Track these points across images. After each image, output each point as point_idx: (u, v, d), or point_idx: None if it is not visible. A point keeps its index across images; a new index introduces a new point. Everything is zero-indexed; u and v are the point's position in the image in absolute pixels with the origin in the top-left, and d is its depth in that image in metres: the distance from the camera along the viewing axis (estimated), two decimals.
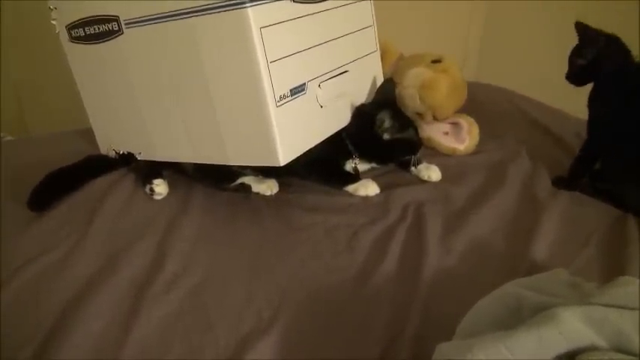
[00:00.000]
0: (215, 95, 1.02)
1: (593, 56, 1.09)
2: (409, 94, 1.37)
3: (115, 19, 1.07)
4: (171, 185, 1.19)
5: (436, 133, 1.38)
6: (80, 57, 1.20)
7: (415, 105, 1.38)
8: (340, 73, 1.15)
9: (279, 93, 0.98)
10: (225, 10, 0.93)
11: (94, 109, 1.27)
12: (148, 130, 1.17)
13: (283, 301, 0.90)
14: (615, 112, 1.08)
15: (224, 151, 1.07)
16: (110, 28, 1.09)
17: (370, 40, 1.26)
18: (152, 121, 1.16)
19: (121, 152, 1.25)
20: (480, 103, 1.50)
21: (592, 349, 0.62)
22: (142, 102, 1.14)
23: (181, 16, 0.98)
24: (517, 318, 0.70)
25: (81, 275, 0.95)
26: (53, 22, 1.19)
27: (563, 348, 0.62)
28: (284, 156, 1.02)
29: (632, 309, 0.66)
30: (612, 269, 0.94)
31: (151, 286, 0.92)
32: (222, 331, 0.85)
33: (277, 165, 1.01)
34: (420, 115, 1.42)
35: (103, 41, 1.12)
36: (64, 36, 1.19)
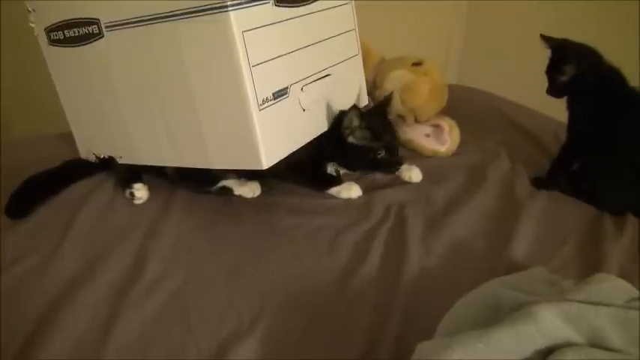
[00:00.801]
0: (198, 99, 1.01)
1: (576, 71, 1.10)
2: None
3: (95, 22, 1.06)
4: (152, 189, 1.18)
5: (417, 135, 1.39)
6: (59, 60, 1.18)
7: (396, 107, 1.39)
8: (323, 77, 1.14)
9: (261, 97, 0.98)
10: (207, 14, 0.92)
11: (73, 112, 1.25)
12: (129, 134, 1.16)
13: (264, 304, 0.90)
14: (593, 116, 1.10)
15: (206, 155, 1.07)
16: (90, 31, 1.08)
17: (352, 44, 1.26)
18: (133, 124, 1.14)
19: (102, 156, 1.24)
20: (461, 105, 1.51)
21: (569, 345, 0.63)
22: (124, 105, 1.13)
23: (163, 20, 0.97)
24: (496, 316, 0.71)
25: (60, 279, 0.94)
26: (32, 25, 1.17)
27: (540, 344, 0.63)
28: (267, 159, 1.01)
29: (608, 305, 0.67)
30: (589, 267, 0.96)
31: (132, 290, 0.92)
32: (202, 334, 0.84)
33: (260, 168, 1.01)
34: (401, 117, 1.43)
35: (83, 44, 1.10)
36: (42, 39, 1.17)
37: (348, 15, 1.24)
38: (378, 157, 1.16)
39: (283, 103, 1.03)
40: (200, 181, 1.18)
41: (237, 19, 0.91)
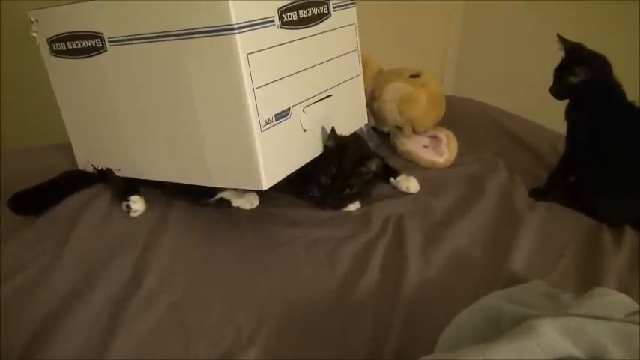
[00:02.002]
0: (200, 117, 1.01)
1: (587, 76, 1.10)
2: (389, 108, 1.39)
3: (99, 36, 1.06)
4: (149, 201, 1.18)
5: (415, 146, 1.40)
6: (61, 71, 1.18)
7: (395, 118, 1.40)
8: (324, 97, 1.14)
9: (263, 118, 0.98)
10: (213, 35, 0.92)
11: (73, 123, 1.25)
12: (128, 148, 1.16)
13: (264, 317, 0.90)
14: (594, 126, 1.10)
15: (207, 172, 1.07)
16: (93, 44, 1.08)
17: (354, 64, 1.27)
18: (133, 138, 1.14)
19: (100, 168, 1.24)
20: (458, 116, 1.52)
21: (569, 359, 0.63)
22: (124, 119, 1.13)
23: (167, 38, 0.97)
24: (496, 330, 0.71)
25: (58, 291, 0.94)
26: (34, 35, 1.17)
27: (541, 359, 0.63)
28: (267, 181, 1.01)
29: (608, 319, 0.67)
30: (588, 280, 0.96)
31: (130, 302, 0.91)
32: (202, 347, 0.84)
33: (259, 189, 1.01)
34: (399, 128, 1.43)
35: (86, 57, 1.10)
36: (44, 49, 1.17)
37: (351, 36, 1.24)
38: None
39: (285, 124, 1.03)
40: (198, 194, 1.18)
41: (242, 41, 0.92)
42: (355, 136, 1.25)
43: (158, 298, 0.93)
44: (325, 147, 1.15)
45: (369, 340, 0.85)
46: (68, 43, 1.12)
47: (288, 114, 1.04)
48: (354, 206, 1.19)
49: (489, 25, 2.41)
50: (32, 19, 1.16)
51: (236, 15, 0.90)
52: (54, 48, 1.15)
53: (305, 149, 1.12)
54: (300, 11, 1.05)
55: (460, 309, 0.78)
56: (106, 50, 1.07)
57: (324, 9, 1.12)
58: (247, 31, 0.92)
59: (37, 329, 0.86)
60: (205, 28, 0.93)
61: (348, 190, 1.15)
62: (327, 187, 1.15)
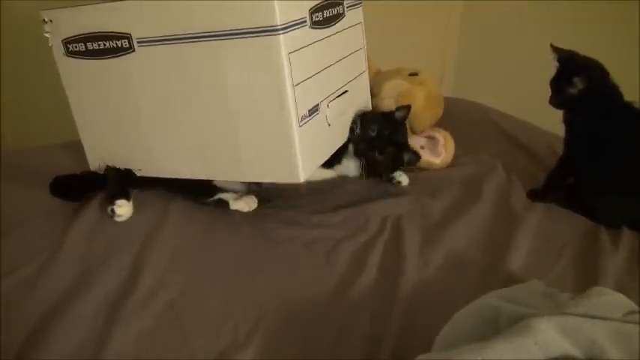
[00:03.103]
0: (235, 114, 1.02)
1: (585, 85, 1.10)
2: (386, 105, 1.38)
3: (127, 36, 1.05)
4: (148, 199, 1.18)
5: (412, 146, 1.40)
6: (77, 72, 1.15)
7: None
8: (342, 93, 1.16)
9: (300, 114, 1.00)
10: (255, 36, 0.94)
11: (86, 124, 1.22)
12: (152, 147, 1.15)
13: (261, 316, 0.90)
14: (595, 130, 1.11)
15: (239, 167, 1.08)
16: (119, 45, 1.06)
17: (361, 61, 1.29)
18: (157, 137, 1.13)
19: (119, 168, 1.20)
20: (456, 117, 1.52)
21: (567, 358, 0.63)
22: (148, 118, 1.12)
23: (204, 39, 0.98)
24: (494, 329, 0.71)
25: (56, 290, 0.93)
26: (46, 35, 1.13)
27: (538, 358, 0.63)
28: (304, 174, 1.04)
29: (606, 318, 0.67)
30: (586, 280, 0.96)
31: (127, 301, 0.91)
32: (199, 346, 0.84)
33: (297, 182, 1.04)
34: None
35: (109, 58, 1.09)
36: (58, 50, 1.14)
37: (359, 34, 1.27)
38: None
39: (315, 119, 1.06)
40: (197, 192, 1.18)
41: (285, 41, 0.94)
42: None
43: (155, 297, 0.93)
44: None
45: (367, 339, 0.85)
46: (88, 44, 1.09)
47: (317, 109, 1.06)
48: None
49: (488, 25, 2.41)
50: (45, 20, 1.12)
51: (280, 16, 0.92)
52: (70, 49, 1.12)
53: (330, 142, 1.15)
54: (325, 11, 1.08)
55: (458, 309, 0.78)
56: (133, 51, 1.05)
57: (339, 9, 1.15)
58: (289, 31, 0.94)
59: (34, 327, 0.86)
60: (246, 29, 0.94)
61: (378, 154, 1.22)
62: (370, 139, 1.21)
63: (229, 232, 1.11)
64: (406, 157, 1.25)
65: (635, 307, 0.74)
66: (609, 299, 0.75)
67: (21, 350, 0.82)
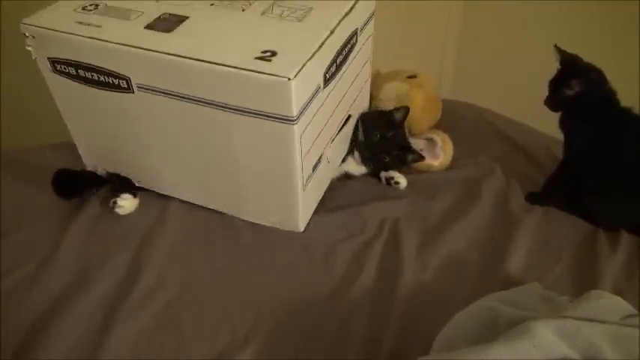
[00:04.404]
0: (241, 170, 1.00)
1: (582, 88, 1.10)
2: (385, 107, 1.38)
3: (126, 78, 0.93)
4: (147, 198, 1.17)
5: None
6: (66, 88, 1.02)
7: None
8: (346, 121, 1.15)
9: (305, 177, 1.00)
10: (268, 120, 0.87)
11: (79, 133, 1.14)
12: (153, 169, 1.10)
13: (259, 316, 0.90)
14: (592, 134, 1.11)
15: (240, 207, 1.10)
16: (117, 83, 0.94)
17: (366, 72, 1.24)
18: (159, 163, 1.08)
19: (118, 174, 1.17)
20: (454, 120, 1.52)
21: None
22: (149, 146, 1.06)
23: (214, 106, 0.90)
24: (493, 332, 0.71)
25: (53, 290, 0.93)
26: (28, 49, 0.99)
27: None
28: (302, 224, 1.08)
29: (604, 322, 0.67)
30: (584, 283, 0.96)
31: (125, 301, 0.91)
32: (196, 347, 0.84)
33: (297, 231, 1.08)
34: None
35: (104, 90, 0.97)
36: (44, 64, 1.00)
37: (368, 46, 1.20)
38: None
39: (318, 169, 1.05)
40: None
41: (299, 127, 0.88)
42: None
43: (153, 297, 0.93)
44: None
45: (365, 340, 0.85)
46: (80, 71, 0.97)
47: (320, 160, 1.06)
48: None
49: (488, 26, 2.41)
50: (26, 34, 0.97)
51: (296, 104, 0.85)
52: (57, 67, 0.99)
53: (326, 179, 1.16)
54: (338, 58, 0.99)
55: (456, 310, 0.78)
56: (132, 92, 0.95)
57: (354, 40, 1.06)
58: (303, 114, 0.88)
59: (33, 326, 0.86)
60: (262, 112, 0.87)
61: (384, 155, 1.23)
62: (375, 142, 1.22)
63: (228, 233, 1.10)
64: (409, 157, 1.26)
65: (634, 311, 0.74)
66: (607, 302, 0.75)
67: (19, 349, 0.82)
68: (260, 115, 0.88)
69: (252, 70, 0.83)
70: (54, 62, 0.99)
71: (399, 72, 1.47)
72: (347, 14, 0.98)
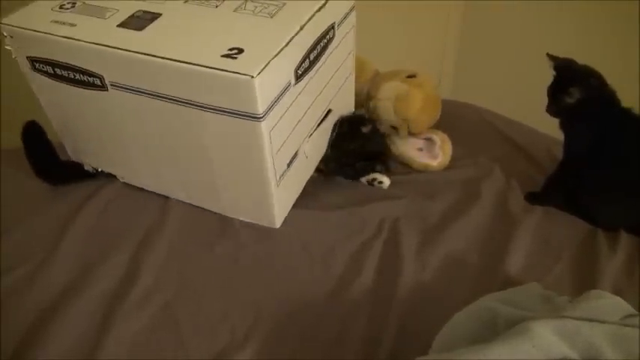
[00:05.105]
0: (215, 166, 1.01)
1: (581, 95, 1.10)
2: (384, 107, 1.38)
3: (99, 76, 0.94)
4: (147, 197, 1.17)
5: (410, 149, 1.39)
6: (45, 86, 1.03)
7: (389, 118, 1.39)
8: (326, 115, 1.13)
9: (279, 174, 1.00)
10: (236, 117, 0.88)
11: (64, 129, 1.16)
12: (135, 165, 1.12)
13: (258, 316, 0.89)
14: (593, 137, 1.10)
15: (219, 203, 1.10)
16: (91, 81, 0.96)
17: (349, 66, 1.22)
18: (140, 160, 1.09)
19: (100, 170, 1.19)
20: (454, 120, 1.51)
21: None
22: (127, 136, 1.06)
23: (184, 104, 0.90)
24: (492, 332, 0.71)
25: (52, 289, 0.93)
26: (7, 48, 1.00)
27: None
28: (279, 220, 1.09)
29: (604, 322, 0.67)
30: (584, 282, 0.96)
31: (124, 301, 0.91)
32: (195, 347, 0.84)
33: (273, 227, 1.08)
34: (395, 129, 1.43)
35: (80, 87, 0.98)
36: (23, 63, 1.02)
37: (350, 39, 1.18)
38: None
39: (293, 165, 1.05)
40: None
41: (267, 124, 0.88)
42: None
43: (152, 297, 0.93)
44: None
45: (365, 340, 0.85)
46: (57, 70, 0.98)
47: (296, 155, 1.05)
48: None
49: (488, 26, 2.40)
50: (5, 34, 0.98)
51: (262, 102, 0.85)
52: (36, 66, 1.01)
53: (307, 172, 1.15)
54: (311, 54, 0.97)
55: (456, 311, 0.78)
56: (107, 90, 0.96)
57: (330, 35, 1.04)
58: (270, 111, 0.88)
59: (32, 326, 0.86)
60: (228, 109, 0.88)
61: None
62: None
63: (226, 233, 1.10)
64: (378, 167, 1.23)
65: (633, 311, 0.74)
66: (607, 302, 0.75)
67: (18, 348, 0.82)
68: (227, 112, 0.88)
69: (217, 69, 0.83)
70: (33, 61, 1.01)
71: (398, 72, 1.47)
72: (320, 9, 0.97)
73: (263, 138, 0.90)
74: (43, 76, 1.02)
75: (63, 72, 0.98)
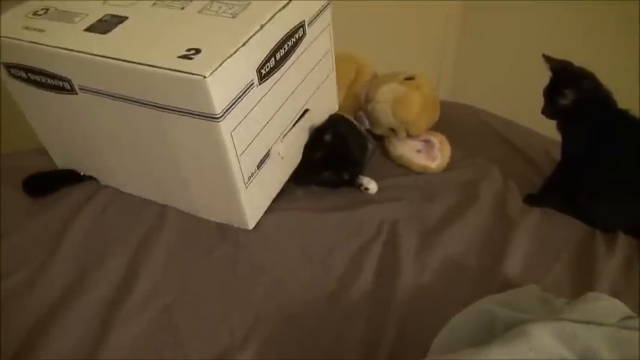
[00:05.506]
0: (183, 170, 1.02)
1: (576, 96, 1.10)
2: (382, 109, 1.38)
3: (67, 80, 0.97)
4: (145, 200, 1.17)
5: (408, 150, 1.39)
6: (22, 91, 1.07)
7: (388, 120, 1.40)
8: (302, 115, 1.13)
9: (247, 175, 0.99)
10: (195, 118, 0.88)
11: (45, 136, 1.19)
12: (112, 169, 1.14)
13: (257, 320, 0.90)
14: (589, 138, 1.11)
15: (193, 205, 1.11)
16: (61, 85, 0.98)
17: (328, 64, 1.21)
18: (115, 164, 1.11)
19: (83, 174, 1.21)
20: (452, 122, 1.52)
21: None
22: (103, 147, 1.09)
23: (145, 105, 0.92)
24: (490, 334, 0.71)
25: (51, 294, 0.93)
26: None
27: None
28: (252, 222, 1.09)
29: (601, 324, 0.67)
30: (582, 285, 0.96)
31: (123, 305, 0.91)
32: (194, 350, 0.84)
33: (246, 228, 1.08)
34: (393, 131, 1.43)
35: (52, 92, 1.01)
36: (1, 69, 1.05)
37: (326, 38, 1.17)
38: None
39: (266, 166, 1.05)
40: None
41: (226, 124, 0.88)
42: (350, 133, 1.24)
43: (151, 300, 0.93)
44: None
45: (364, 343, 0.85)
46: (29, 75, 1.01)
47: (268, 155, 1.05)
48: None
49: (488, 26, 2.40)
50: None
51: (219, 102, 0.85)
52: (12, 72, 1.03)
53: (283, 173, 1.15)
54: (277, 54, 0.97)
55: (454, 313, 0.78)
56: (76, 93, 0.98)
57: (299, 33, 1.03)
58: (230, 110, 0.88)
59: (29, 331, 0.86)
60: (187, 110, 0.88)
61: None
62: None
63: (225, 236, 1.10)
64: (345, 176, 1.20)
65: (631, 313, 0.74)
66: (605, 304, 0.75)
67: (18, 352, 0.82)
68: (186, 113, 0.89)
69: (173, 70, 0.84)
70: (8, 67, 1.04)
71: (396, 73, 1.47)
72: (283, 8, 0.97)
73: (223, 138, 0.90)
74: (18, 82, 1.04)
75: (35, 77, 1.00)
